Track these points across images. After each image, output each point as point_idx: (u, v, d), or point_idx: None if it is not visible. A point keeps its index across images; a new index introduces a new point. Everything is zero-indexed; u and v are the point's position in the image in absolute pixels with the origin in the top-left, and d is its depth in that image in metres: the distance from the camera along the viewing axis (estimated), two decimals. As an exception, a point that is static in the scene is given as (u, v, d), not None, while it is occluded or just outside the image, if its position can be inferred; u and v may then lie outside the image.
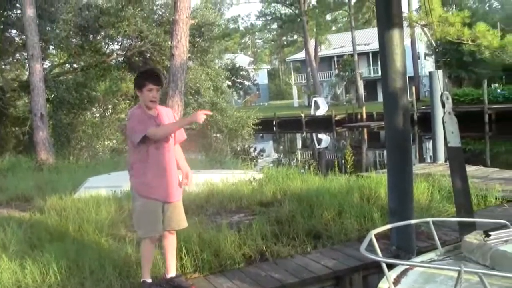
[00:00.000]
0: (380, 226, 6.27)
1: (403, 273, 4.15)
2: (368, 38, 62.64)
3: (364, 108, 45.71)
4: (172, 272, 5.40)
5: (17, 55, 23.98)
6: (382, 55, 6.10)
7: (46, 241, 6.72)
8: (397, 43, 5.95)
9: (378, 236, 4.34)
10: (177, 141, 5.40)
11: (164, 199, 5.15)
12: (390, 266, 4.05)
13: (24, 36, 18.32)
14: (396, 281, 4.01)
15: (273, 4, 75.29)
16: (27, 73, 21.03)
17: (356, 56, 56.34)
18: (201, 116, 4.89)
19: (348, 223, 7.01)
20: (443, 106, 5.75)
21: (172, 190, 5.20)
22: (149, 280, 5.28)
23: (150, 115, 5.11)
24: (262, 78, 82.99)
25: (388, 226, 4.95)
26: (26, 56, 19.73)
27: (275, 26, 77.62)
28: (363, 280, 5.89)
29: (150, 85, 5.03)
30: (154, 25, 23.49)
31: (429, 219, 4.68)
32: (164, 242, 5.42)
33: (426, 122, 30.40)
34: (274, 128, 49.60)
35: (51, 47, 24.13)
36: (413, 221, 5.15)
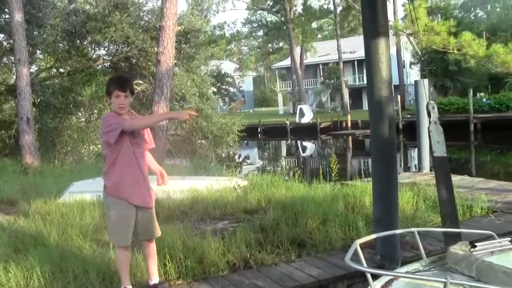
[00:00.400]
0: (365, 235, 6.30)
1: (388, 283, 4.15)
2: (353, 46, 63.02)
3: (349, 116, 45.86)
4: (155, 279, 5.40)
5: (5, 59, 23.82)
6: (368, 63, 6.11)
7: (30, 245, 6.68)
8: (383, 51, 5.97)
9: (363, 246, 4.35)
10: (147, 149, 5.40)
11: (139, 203, 5.14)
12: (375, 276, 4.06)
13: (12, 41, 18.24)
14: (381, 291, 4.02)
15: (259, 12, 75.57)
16: (14, 77, 20.93)
17: (341, 64, 56.64)
18: (185, 114, 4.94)
19: (333, 232, 7.01)
20: (429, 115, 5.76)
21: (147, 194, 5.22)
22: (130, 287, 5.27)
23: (124, 118, 5.10)
24: (247, 85, 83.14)
25: (373, 236, 4.94)
26: (13, 60, 19.61)
27: (261, 33, 77.78)
28: (347, 289, 5.90)
29: (117, 91, 5.04)
30: (140, 31, 23.50)
31: (414, 229, 4.69)
32: (144, 250, 5.45)
33: (411, 131, 30.61)
34: (259, 135, 49.61)
35: (38, 51, 24.02)
36: (398, 231, 5.14)
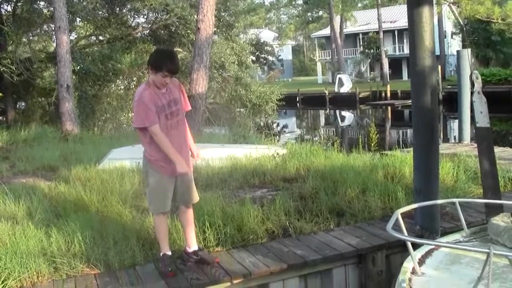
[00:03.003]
0: (404, 205, 6.23)
1: (428, 253, 4.11)
2: (394, 15, 61.83)
3: (388, 86, 45.24)
4: (194, 246, 5.42)
5: (45, 26, 24.05)
6: (411, 32, 5.98)
7: (71, 211, 6.78)
8: (426, 20, 5.82)
9: (402, 216, 4.30)
10: (184, 110, 5.34)
11: (177, 173, 5.11)
12: (415, 246, 4.01)
13: (52, 8, 18.35)
14: (421, 261, 3.98)
15: (299, -20, 74.58)
16: (54, 44, 21.14)
17: (381, 34, 55.61)
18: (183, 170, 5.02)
19: (372, 202, 6.96)
20: (472, 85, 5.64)
21: (186, 162, 5.17)
22: (169, 253, 5.33)
23: (161, 93, 5.03)
24: (286, 53, 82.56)
25: (414, 206, 4.90)
26: (53, 28, 19.79)
27: (300, 1, 76.73)
28: (386, 259, 5.86)
29: (168, 72, 4.94)
30: (180, -2, 23.40)
31: (456, 200, 4.63)
32: (181, 217, 5.45)
33: (451, 102, 30.12)
34: (298, 104, 49.40)
35: (78, 19, 24.16)
36: (439, 201, 5.09)
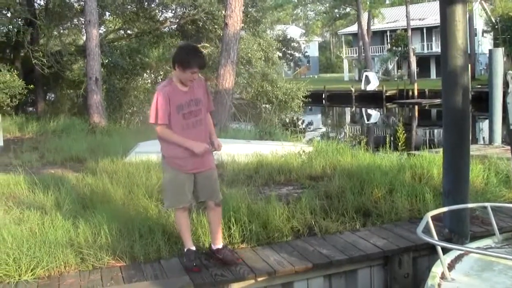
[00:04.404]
0: (433, 207, 6.15)
1: (458, 258, 4.04)
2: (423, 13, 61.15)
3: (416, 85, 44.69)
4: (219, 244, 5.38)
5: (75, 20, 24.32)
6: (443, 31, 5.86)
7: (98, 203, 6.84)
8: (459, 18, 5.71)
9: (431, 218, 4.22)
10: (207, 111, 5.30)
11: (194, 170, 5.11)
12: (444, 250, 3.94)
13: (83, 2, 18.52)
14: (451, 266, 3.91)
15: (327, -24, 74.22)
16: (84, 37, 21.37)
17: (409, 31, 54.94)
18: (203, 149, 5.00)
19: (399, 202, 6.86)
20: (507, 85, 5.54)
21: (204, 160, 5.15)
22: (193, 248, 5.31)
23: (183, 91, 5.01)
24: (313, 50, 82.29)
25: (445, 209, 4.81)
26: (83, 22, 19.99)
27: (328, -2, 76.51)
28: (412, 262, 5.77)
29: (196, 69, 4.92)
30: (208, -7, 23.43)
31: (487, 204, 4.54)
32: (208, 213, 5.42)
33: (480, 102, 29.66)
34: (324, 101, 49.18)
35: (107, 13, 24.38)
36: (470, 205, 4.99)
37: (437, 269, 3.84)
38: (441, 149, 7.54)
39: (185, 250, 5.31)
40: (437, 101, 36.64)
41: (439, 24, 5.97)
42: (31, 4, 22.62)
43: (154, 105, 4.97)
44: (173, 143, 5.03)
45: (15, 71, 19.74)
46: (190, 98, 5.04)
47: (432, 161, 8.44)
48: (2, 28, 21.46)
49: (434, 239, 3.79)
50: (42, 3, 24.22)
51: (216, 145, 5.27)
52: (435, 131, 28.89)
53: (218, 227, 5.40)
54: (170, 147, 5.07)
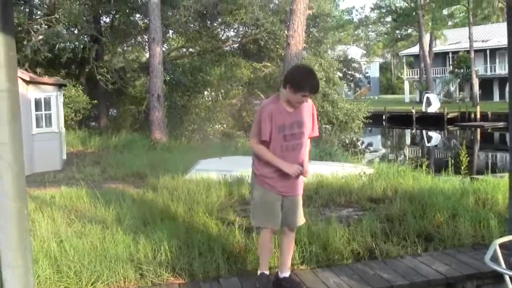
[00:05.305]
0: (497, 234, 5.93)
1: (528, 288, 3.84)
2: (486, 34, 59.83)
3: (478, 107, 43.63)
4: (286, 272, 5.18)
5: (139, 38, 24.92)
6: (510, 52, 5.67)
7: (158, 219, 6.88)
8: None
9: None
10: (309, 136, 5.07)
11: (283, 193, 4.94)
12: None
13: (147, 20, 18.95)
14: (519, 296, 3.72)
15: (389, -3, 73.64)
16: (147, 55, 21.86)
17: (472, 53, 53.79)
18: (295, 170, 4.80)
19: (462, 228, 6.62)
20: None
21: (295, 184, 4.99)
22: (267, 272, 5.13)
23: (288, 111, 4.81)
24: (373, 71, 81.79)
25: (512, 237, 4.60)
26: (147, 39, 20.44)
27: (389, 19, 75.65)
28: (476, 290, 5.57)
29: (307, 93, 4.68)
30: (270, 13, 23.64)
31: (561, 233, 4.33)
32: (282, 239, 5.21)
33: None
34: (384, 122, 48.61)
35: (170, 31, 24.87)
36: (542, 233, 4.77)
37: (504, 300, 3.67)
38: (506, 174, 7.28)
39: (259, 273, 5.14)
40: (500, 124, 35.74)
41: (502, 46, 5.79)
42: (97, 21, 23.35)
43: (256, 120, 4.85)
44: (265, 160, 4.88)
45: (80, 86, 20.34)
46: (294, 119, 4.83)
47: (497, 186, 8.19)
48: (69, 44, 22.17)
49: (503, 268, 3.62)
50: (107, 20, 24.94)
51: (304, 170, 4.97)
52: (498, 155, 28.11)
53: (290, 255, 5.22)
54: (261, 165, 4.91)
